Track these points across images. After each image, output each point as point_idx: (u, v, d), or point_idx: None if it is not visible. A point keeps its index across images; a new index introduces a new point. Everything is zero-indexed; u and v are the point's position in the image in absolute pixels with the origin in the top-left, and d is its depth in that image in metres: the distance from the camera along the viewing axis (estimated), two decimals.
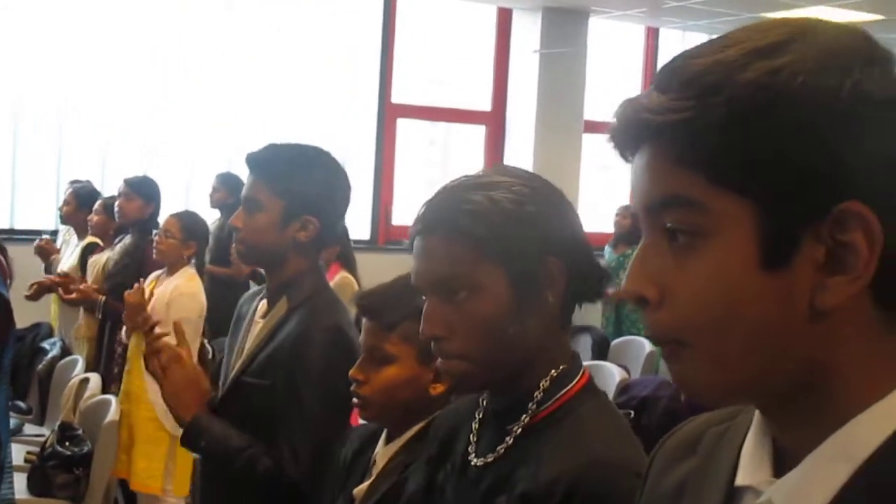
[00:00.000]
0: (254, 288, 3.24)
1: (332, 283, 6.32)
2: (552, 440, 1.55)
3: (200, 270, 5.59)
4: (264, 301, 2.77)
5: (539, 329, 1.60)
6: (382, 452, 2.14)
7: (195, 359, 5.21)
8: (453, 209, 1.60)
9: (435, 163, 10.45)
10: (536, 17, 9.94)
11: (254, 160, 2.71)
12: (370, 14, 9.78)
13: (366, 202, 9.81)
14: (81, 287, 5.80)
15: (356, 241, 7.60)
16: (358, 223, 9.18)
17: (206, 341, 5.31)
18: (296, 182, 2.65)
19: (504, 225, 1.56)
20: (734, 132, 0.86)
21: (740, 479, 0.97)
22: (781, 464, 0.94)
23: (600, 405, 1.62)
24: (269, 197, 2.66)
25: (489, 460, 1.61)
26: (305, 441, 2.52)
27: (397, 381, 2.10)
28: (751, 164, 0.86)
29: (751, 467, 0.96)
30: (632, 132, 0.93)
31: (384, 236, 9.88)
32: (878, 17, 9.59)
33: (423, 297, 1.64)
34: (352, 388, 2.13)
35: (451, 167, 10.18)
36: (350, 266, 6.59)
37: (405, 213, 9.86)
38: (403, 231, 9.51)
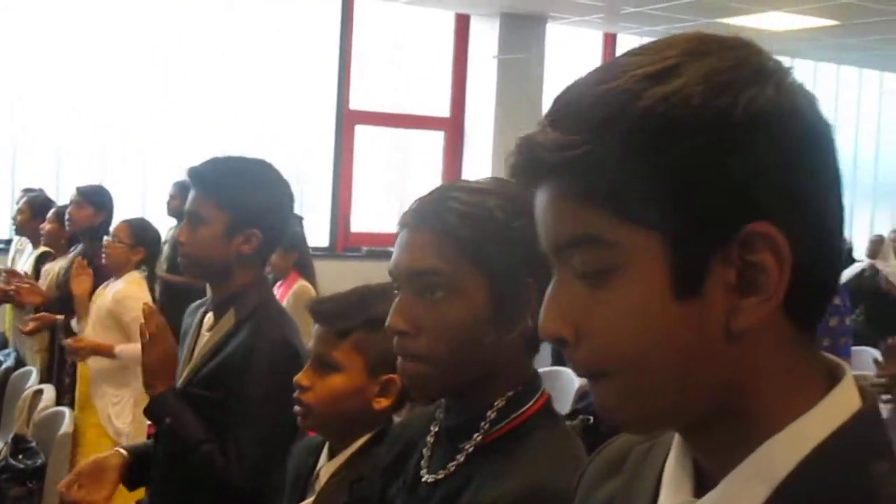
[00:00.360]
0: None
1: (290, 291, 6.37)
2: (500, 462, 1.52)
3: (154, 278, 5.55)
4: (210, 314, 2.77)
5: (509, 348, 1.56)
6: (326, 467, 2.11)
7: None
8: (444, 206, 1.56)
9: (394, 169, 10.42)
10: (494, 23, 9.96)
11: (196, 174, 2.70)
12: (328, 20, 9.75)
13: (324, 209, 9.78)
14: (35, 316, 5.73)
15: (315, 249, 7.56)
16: (316, 230, 9.14)
17: None
18: (239, 195, 2.65)
19: (494, 233, 1.52)
20: (632, 165, 0.85)
21: (662, 500, 0.96)
22: (702, 485, 0.93)
23: (554, 429, 1.58)
24: (212, 210, 2.65)
25: (440, 477, 1.58)
26: (253, 451, 2.53)
27: (342, 391, 2.07)
28: (652, 195, 0.85)
29: (672, 488, 0.96)
30: (530, 171, 0.91)
31: (343, 243, 9.84)
32: (832, 22, 9.68)
33: (396, 290, 1.59)
34: (295, 394, 2.10)
35: (410, 173, 10.17)
36: (308, 274, 6.55)
37: (364, 219, 9.83)
38: (362, 238, 9.59)
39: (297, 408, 2.12)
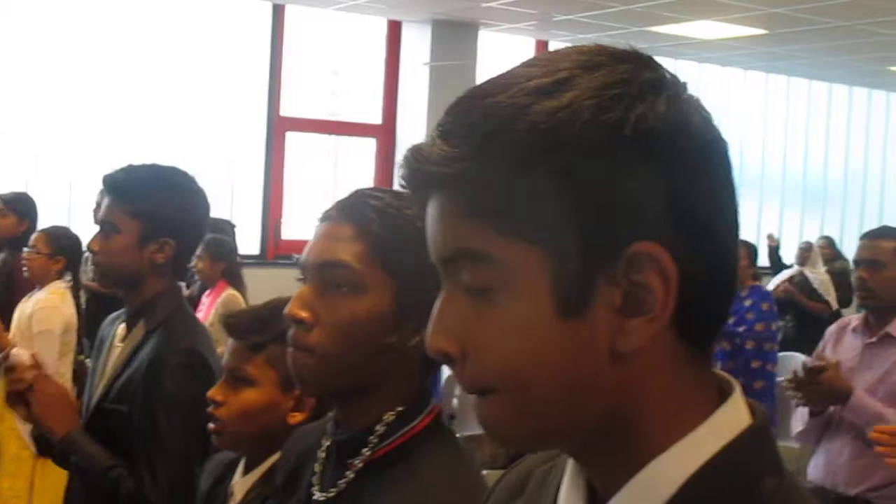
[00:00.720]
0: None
1: (218, 300, 6.29)
2: (387, 480, 1.50)
3: (79, 287, 5.45)
4: (123, 324, 2.73)
5: (404, 358, 1.53)
6: (240, 483, 2.08)
7: (69, 375, 5.12)
8: (364, 205, 1.54)
9: (326, 176, 10.35)
10: (426, 29, 9.95)
11: (110, 182, 2.67)
12: (258, 27, 9.67)
13: (255, 216, 9.69)
14: None
15: (245, 256, 7.49)
16: (247, 238, 9.05)
17: (84, 359, 5.18)
18: (153, 204, 2.63)
19: (410, 240, 1.49)
20: (516, 180, 0.83)
21: None
22: None
23: (444, 445, 1.56)
24: (125, 219, 2.63)
25: (330, 495, 1.55)
26: (164, 467, 2.49)
27: (256, 406, 2.04)
28: (536, 212, 0.83)
29: None
30: (417, 183, 0.90)
31: (274, 251, 9.75)
32: (761, 31, 9.81)
33: (301, 281, 1.57)
34: (209, 409, 2.07)
35: (342, 181, 10.10)
36: (236, 282, 6.48)
37: (295, 227, 9.75)
38: (293, 245, 9.53)
39: (210, 424, 2.08)
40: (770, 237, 11.17)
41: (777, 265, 10.70)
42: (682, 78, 0.89)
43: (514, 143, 0.83)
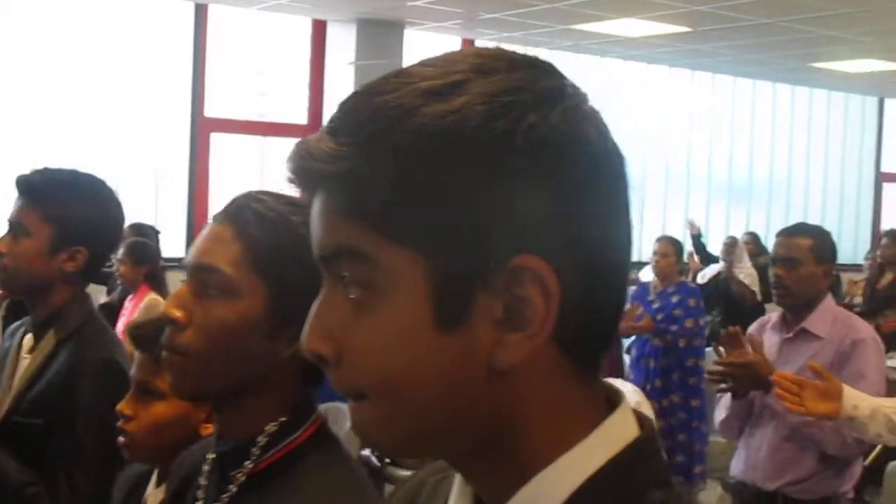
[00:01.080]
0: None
1: (140, 305, 6.20)
2: (270, 493, 1.47)
3: None
4: (30, 335, 2.63)
5: (280, 366, 1.50)
6: (153, 496, 2.03)
7: None
8: (247, 207, 1.51)
9: (252, 177, 10.25)
10: (351, 28, 9.92)
11: (24, 183, 2.57)
12: (181, 27, 9.56)
13: (179, 219, 9.57)
14: None
15: (169, 259, 7.38)
16: (171, 240, 8.93)
17: None
18: (67, 209, 2.53)
19: (289, 246, 1.46)
20: (399, 183, 0.80)
21: None
22: None
23: (327, 456, 1.53)
24: (37, 223, 2.53)
25: None
26: (84, 481, 2.42)
27: (166, 420, 1.99)
28: (418, 217, 0.81)
29: None
30: (302, 179, 0.87)
31: None
32: (685, 29, 9.89)
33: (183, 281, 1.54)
34: (118, 423, 2.01)
35: (268, 182, 10.01)
36: (159, 286, 6.39)
37: None
38: None
39: (120, 438, 2.02)
40: (691, 224, 11.07)
41: (703, 253, 10.76)
42: (582, 89, 0.87)
43: (399, 144, 0.80)
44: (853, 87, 14.07)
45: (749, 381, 3.84)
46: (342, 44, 9.99)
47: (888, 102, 15.43)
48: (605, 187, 0.85)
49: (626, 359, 7.75)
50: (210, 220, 1.55)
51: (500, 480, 0.86)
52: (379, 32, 9.87)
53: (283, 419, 1.50)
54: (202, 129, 9.71)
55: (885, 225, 13.99)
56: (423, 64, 0.85)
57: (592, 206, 0.83)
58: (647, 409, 6.71)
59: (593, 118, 0.86)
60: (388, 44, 9.93)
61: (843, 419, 3.40)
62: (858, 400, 3.42)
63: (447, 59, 0.85)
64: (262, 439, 1.49)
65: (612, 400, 0.89)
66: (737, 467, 4.07)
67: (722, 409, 4.11)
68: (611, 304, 0.86)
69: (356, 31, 9.89)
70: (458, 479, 0.93)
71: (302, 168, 0.86)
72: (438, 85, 0.82)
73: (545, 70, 0.86)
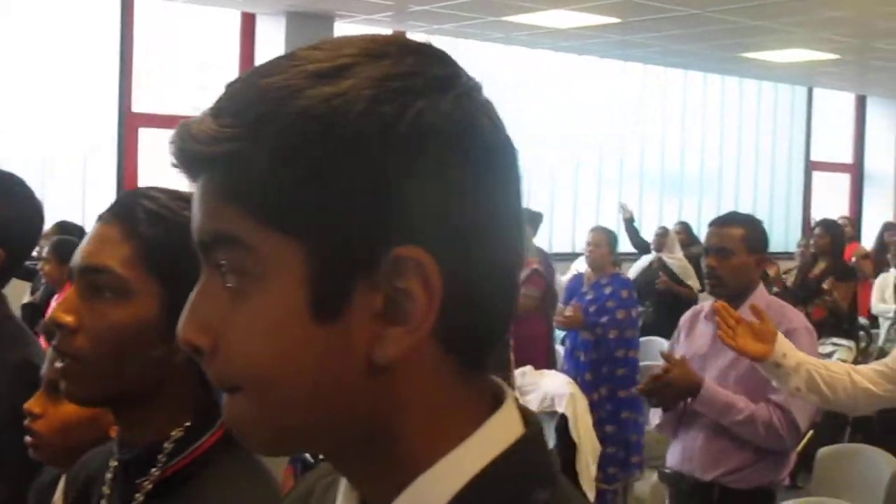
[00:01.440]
0: None
1: None
2: (177, 500, 1.43)
3: None
4: None
5: (178, 368, 1.45)
6: (60, 501, 1.95)
7: None
8: (136, 205, 1.47)
9: (181, 174, 10.10)
10: (280, 22, 9.82)
11: None
12: (106, 20, 9.40)
13: None
14: None
15: None
16: None
17: None
18: None
19: (181, 243, 1.39)
20: (279, 167, 0.78)
21: None
22: None
23: (235, 461, 1.48)
24: None
25: None
26: (0, 485, 2.35)
27: (75, 420, 1.92)
28: (298, 203, 0.78)
29: None
30: (183, 161, 0.84)
31: None
32: (614, 19, 9.90)
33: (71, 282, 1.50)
34: (25, 422, 1.95)
35: None
36: None
37: None
38: None
39: (27, 437, 1.96)
40: (623, 207, 10.98)
41: (636, 239, 10.76)
42: (478, 79, 0.85)
43: (281, 127, 0.78)
44: (782, 77, 14.18)
45: (674, 396, 3.89)
46: (272, 37, 9.89)
47: (817, 92, 15.59)
48: (496, 181, 0.83)
49: (561, 350, 7.73)
50: (96, 220, 1.49)
51: (382, 483, 0.84)
52: (308, 25, 9.75)
53: (187, 424, 1.47)
54: (129, 124, 9.56)
55: (815, 213, 14.18)
56: (314, 47, 0.83)
57: (482, 199, 0.81)
58: (581, 401, 6.76)
59: (486, 108, 0.84)
60: (318, 37, 9.55)
61: (769, 364, 3.44)
62: (789, 349, 3.46)
63: (339, 42, 0.84)
64: (168, 445, 1.46)
65: (500, 398, 0.87)
66: (673, 458, 4.08)
67: (655, 415, 4.14)
68: (499, 304, 0.84)
69: (286, 25, 9.79)
70: (343, 482, 0.91)
71: (182, 151, 0.83)
72: (326, 67, 0.80)
73: (438, 57, 0.84)
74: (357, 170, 0.78)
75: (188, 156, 0.83)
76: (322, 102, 0.78)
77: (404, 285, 0.78)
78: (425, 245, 0.78)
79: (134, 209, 1.45)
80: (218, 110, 0.82)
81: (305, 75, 0.79)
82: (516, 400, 0.87)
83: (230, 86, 0.83)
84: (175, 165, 0.85)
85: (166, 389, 1.47)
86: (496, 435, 0.84)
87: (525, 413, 0.87)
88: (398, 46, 0.83)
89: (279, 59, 0.83)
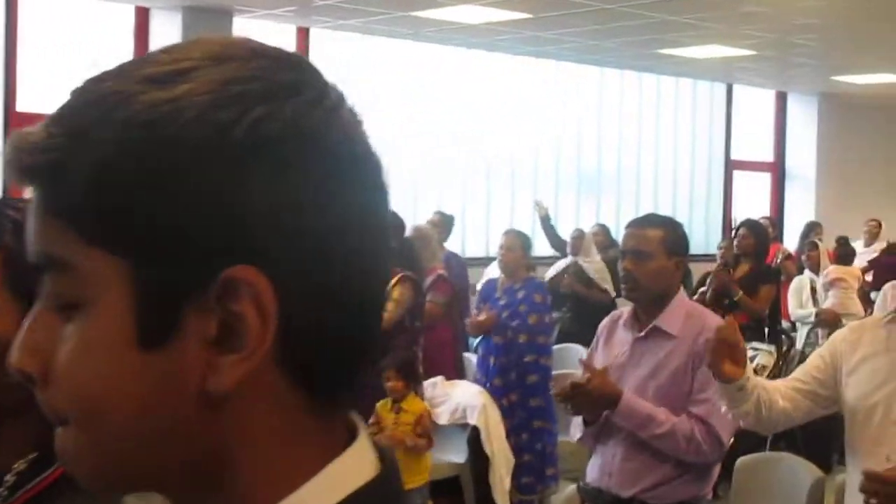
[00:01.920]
0: None
1: None
2: None
3: None
4: None
5: (23, 395, 1.29)
6: None
7: None
8: (2, 216, 1.42)
9: None
10: (176, 16, 9.56)
11: None
12: None
13: None
14: None
15: None
16: None
17: None
18: None
19: None
20: (102, 179, 0.75)
21: None
22: None
23: (82, 495, 1.35)
24: None
25: None
26: None
27: None
28: (121, 218, 0.75)
29: None
30: (11, 172, 0.79)
31: None
32: (526, 15, 9.85)
33: None
34: None
35: None
36: None
37: None
38: None
39: None
40: (538, 205, 10.71)
41: (553, 238, 10.49)
42: (339, 89, 0.81)
43: (106, 136, 0.75)
44: (701, 74, 14.17)
45: (591, 406, 3.79)
46: (167, 33, 9.57)
47: (737, 89, 15.52)
48: (348, 194, 0.78)
49: (473, 358, 7.56)
50: None
51: None
52: (205, 20, 9.46)
53: (32, 456, 1.42)
54: (14, 124, 9.12)
55: (736, 213, 14.12)
56: (162, 50, 0.80)
57: (329, 214, 0.77)
58: (493, 412, 6.61)
59: (341, 119, 0.79)
60: (216, 32, 9.48)
61: (733, 386, 3.29)
62: (750, 371, 3.36)
63: (188, 44, 0.81)
64: (10, 478, 1.42)
65: (355, 435, 0.84)
66: (592, 473, 3.98)
67: (576, 428, 4.02)
68: (353, 329, 0.80)
69: (181, 20, 9.49)
70: None
71: (9, 161, 0.80)
72: (163, 71, 0.77)
73: (290, 62, 0.80)
74: (182, 180, 0.74)
75: (14, 166, 0.79)
76: (150, 108, 0.75)
77: (238, 308, 0.75)
78: (261, 265, 0.74)
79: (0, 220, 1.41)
80: (52, 118, 0.79)
81: (139, 80, 0.76)
82: (371, 437, 0.84)
83: (73, 91, 0.80)
84: (7, 175, 0.81)
85: (12, 420, 1.41)
86: (344, 475, 0.80)
87: (381, 451, 0.84)
88: (248, 50, 0.79)
89: (127, 62, 0.80)
